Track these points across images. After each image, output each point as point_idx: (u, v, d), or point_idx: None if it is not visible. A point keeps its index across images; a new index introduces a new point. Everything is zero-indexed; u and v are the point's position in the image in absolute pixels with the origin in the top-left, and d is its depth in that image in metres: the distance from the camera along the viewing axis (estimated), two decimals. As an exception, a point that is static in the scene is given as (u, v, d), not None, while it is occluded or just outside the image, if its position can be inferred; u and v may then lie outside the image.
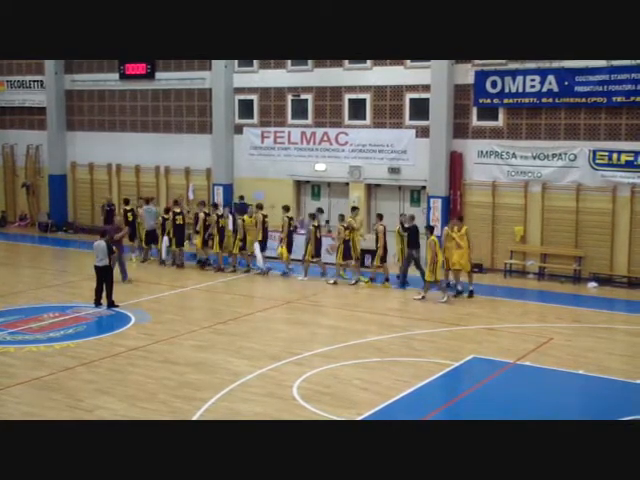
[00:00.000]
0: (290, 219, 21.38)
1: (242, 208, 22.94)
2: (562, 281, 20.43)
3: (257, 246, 21.30)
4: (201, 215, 21.89)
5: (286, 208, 21.58)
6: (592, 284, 20.08)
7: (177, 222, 22.09)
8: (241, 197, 23.96)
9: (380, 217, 20.65)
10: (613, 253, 20.19)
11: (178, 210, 22.42)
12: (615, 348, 14.83)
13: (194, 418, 10.83)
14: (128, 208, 23.27)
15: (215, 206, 22.56)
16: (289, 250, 21.05)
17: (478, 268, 21.57)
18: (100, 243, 17.47)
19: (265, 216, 21.40)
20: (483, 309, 17.90)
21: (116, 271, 18.47)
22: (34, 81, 29.44)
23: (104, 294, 17.38)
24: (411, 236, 19.94)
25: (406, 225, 20.22)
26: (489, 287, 20.20)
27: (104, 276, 17.39)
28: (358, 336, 15.27)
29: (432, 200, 22.08)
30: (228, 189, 25.35)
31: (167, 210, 22.51)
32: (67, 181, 29.22)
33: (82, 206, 29.11)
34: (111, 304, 17.34)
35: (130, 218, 22.82)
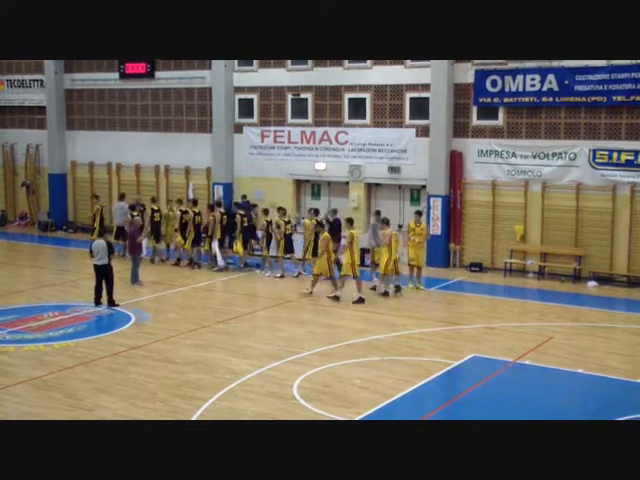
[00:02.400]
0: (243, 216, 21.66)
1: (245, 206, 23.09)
2: (562, 280, 20.43)
3: (216, 244, 21.59)
4: (177, 213, 22.26)
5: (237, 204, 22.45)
6: (592, 283, 20.08)
7: (155, 219, 22.44)
8: (244, 196, 23.96)
9: (314, 211, 20.95)
10: (613, 252, 20.19)
11: (156, 207, 22.88)
12: (615, 347, 14.83)
13: (194, 417, 10.83)
14: (98, 206, 24.09)
15: (195, 203, 22.72)
16: (244, 247, 21.44)
17: (478, 267, 21.61)
18: (100, 242, 17.47)
19: (243, 216, 21.54)
20: (483, 308, 17.91)
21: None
22: (34, 80, 29.42)
23: (104, 293, 17.38)
24: (332, 230, 20.10)
25: (330, 219, 20.66)
26: (489, 286, 20.22)
27: (104, 275, 17.38)
28: (358, 335, 15.27)
29: (432, 199, 22.08)
30: (228, 188, 25.34)
31: (132, 207, 22.78)
32: (67, 180, 29.21)
33: (82, 205, 29.09)
34: (111, 303, 17.34)
35: (97, 214, 23.76)
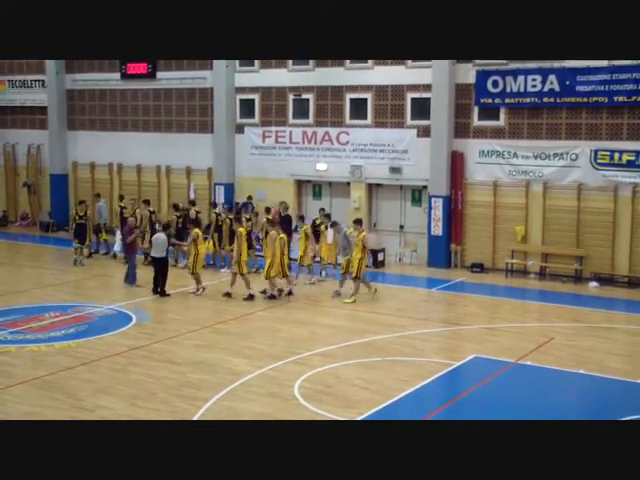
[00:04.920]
0: (218, 214, 21.94)
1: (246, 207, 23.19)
2: (563, 281, 20.42)
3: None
4: (145, 213, 22.53)
5: (213, 204, 23.03)
6: (593, 284, 20.07)
7: (124, 216, 22.52)
8: (249, 197, 23.96)
9: (269, 211, 21.39)
10: (614, 253, 20.18)
11: (123, 204, 23.50)
12: (615, 348, 14.83)
13: (195, 418, 10.83)
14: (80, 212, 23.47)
15: (147, 202, 23.07)
16: (217, 245, 21.52)
17: (479, 268, 21.59)
18: (160, 235, 18.40)
19: (217, 214, 21.90)
20: (484, 309, 17.90)
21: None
22: (35, 80, 29.44)
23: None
24: (283, 225, 20.17)
25: (282, 214, 21.10)
26: (490, 286, 20.22)
27: (160, 267, 18.30)
28: (359, 336, 15.27)
29: (433, 200, 22.07)
30: (229, 188, 25.35)
31: (81, 202, 23.40)
32: (68, 180, 29.24)
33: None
34: (163, 293, 18.22)
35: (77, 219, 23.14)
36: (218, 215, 21.86)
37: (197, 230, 18.86)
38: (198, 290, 18.70)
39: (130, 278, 19.54)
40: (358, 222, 18.77)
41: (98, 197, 25.26)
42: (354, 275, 18.10)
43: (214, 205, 23.21)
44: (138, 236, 20.77)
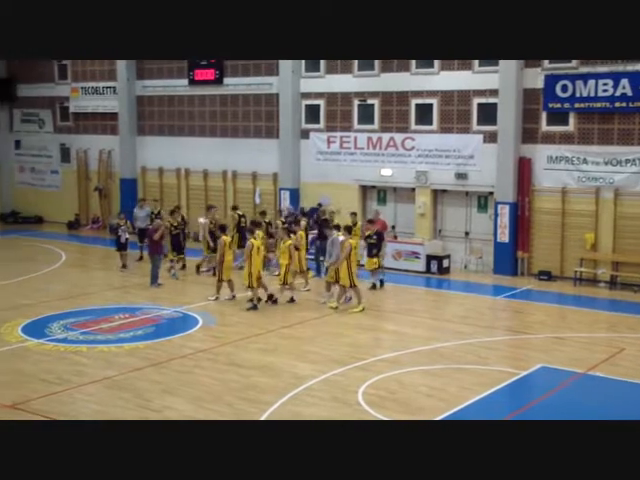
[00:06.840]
0: (241, 216, 22.59)
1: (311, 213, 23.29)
2: (635, 290, 19.86)
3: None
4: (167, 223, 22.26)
5: (234, 207, 23.46)
6: (666, 294, 19.48)
7: (241, 224, 22.57)
8: (319, 204, 23.96)
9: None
10: (689, 262, 19.54)
11: (241, 212, 23.37)
12: (690, 360, 14.34)
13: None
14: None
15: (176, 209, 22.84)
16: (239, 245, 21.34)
17: (547, 275, 21.17)
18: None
19: (240, 216, 22.66)
20: (551, 318, 17.55)
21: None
22: (107, 87, 30.16)
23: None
24: (318, 228, 20.99)
25: (322, 218, 21.61)
26: (558, 295, 19.81)
27: None
28: (423, 342, 15.15)
29: (500, 206, 21.76)
30: (294, 194, 25.48)
31: (173, 212, 22.75)
32: (137, 185, 29.84)
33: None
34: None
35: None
36: (241, 217, 22.46)
37: (224, 237, 18.52)
38: (216, 297, 18.40)
39: (152, 278, 19.77)
40: (347, 229, 18.28)
41: (143, 202, 25.25)
42: (349, 284, 17.60)
43: (305, 211, 23.36)
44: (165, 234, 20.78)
